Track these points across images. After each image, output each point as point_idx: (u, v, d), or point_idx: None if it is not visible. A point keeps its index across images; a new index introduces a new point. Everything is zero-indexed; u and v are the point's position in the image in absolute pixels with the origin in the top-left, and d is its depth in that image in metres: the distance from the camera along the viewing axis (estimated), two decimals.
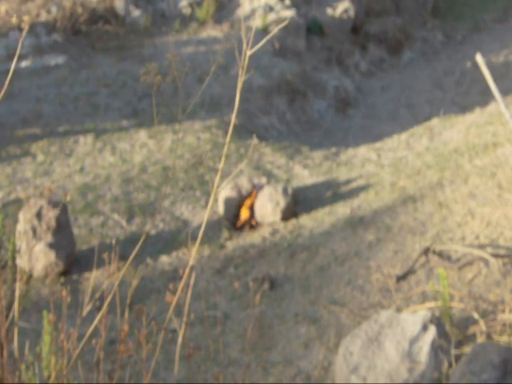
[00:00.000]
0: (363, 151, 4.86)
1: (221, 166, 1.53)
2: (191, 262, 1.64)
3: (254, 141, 4.64)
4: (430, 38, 7.71)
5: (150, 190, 4.20)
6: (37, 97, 5.42)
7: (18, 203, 3.91)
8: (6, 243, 3.26)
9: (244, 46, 1.48)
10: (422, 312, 2.54)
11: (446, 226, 3.60)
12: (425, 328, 2.47)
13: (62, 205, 3.51)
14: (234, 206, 3.99)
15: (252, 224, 3.92)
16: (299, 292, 3.24)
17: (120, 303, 1.79)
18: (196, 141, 4.77)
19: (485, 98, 5.31)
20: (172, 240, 3.77)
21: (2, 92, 1.70)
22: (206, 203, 4.02)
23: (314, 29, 7.01)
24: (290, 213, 3.94)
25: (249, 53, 1.47)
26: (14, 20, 1.62)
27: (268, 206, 3.92)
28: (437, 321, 2.51)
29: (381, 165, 4.54)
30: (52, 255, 3.41)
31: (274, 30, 1.42)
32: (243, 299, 3.16)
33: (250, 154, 4.52)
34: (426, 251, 3.23)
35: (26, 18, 1.54)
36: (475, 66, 4.09)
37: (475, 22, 7.90)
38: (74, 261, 3.52)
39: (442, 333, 2.46)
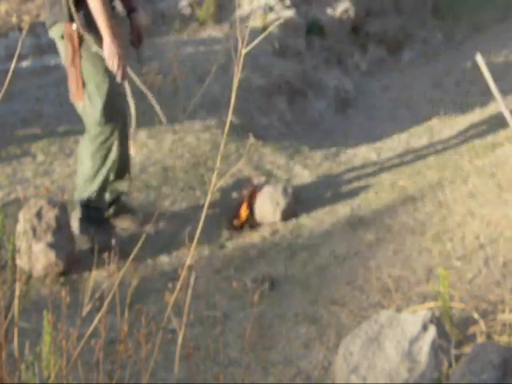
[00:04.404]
0: (363, 151, 4.86)
1: (217, 165, 1.54)
2: (189, 262, 1.64)
3: (251, 140, 4.64)
4: (430, 38, 7.70)
5: (150, 190, 4.20)
6: (37, 97, 5.42)
7: (18, 203, 3.91)
8: (6, 243, 3.26)
9: (239, 44, 1.48)
10: (422, 312, 2.54)
11: (446, 225, 3.60)
12: (425, 328, 2.47)
13: (61, 204, 3.51)
14: (234, 205, 3.99)
15: (252, 224, 3.92)
16: (299, 292, 3.24)
17: (120, 303, 1.79)
18: (196, 141, 4.77)
19: (485, 98, 5.31)
20: (172, 240, 3.77)
21: (2, 92, 1.70)
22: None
23: (314, 29, 7.01)
24: (290, 213, 3.94)
25: (244, 51, 1.47)
26: (14, 20, 1.62)
27: (268, 206, 3.92)
28: (437, 321, 2.51)
29: (381, 165, 4.55)
30: (52, 255, 3.41)
31: (270, 28, 1.42)
32: (243, 299, 3.16)
33: (247, 152, 4.52)
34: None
35: (26, 18, 1.54)
36: (475, 66, 4.09)
37: (475, 22, 7.89)
38: (73, 261, 3.52)
39: (442, 333, 2.46)
